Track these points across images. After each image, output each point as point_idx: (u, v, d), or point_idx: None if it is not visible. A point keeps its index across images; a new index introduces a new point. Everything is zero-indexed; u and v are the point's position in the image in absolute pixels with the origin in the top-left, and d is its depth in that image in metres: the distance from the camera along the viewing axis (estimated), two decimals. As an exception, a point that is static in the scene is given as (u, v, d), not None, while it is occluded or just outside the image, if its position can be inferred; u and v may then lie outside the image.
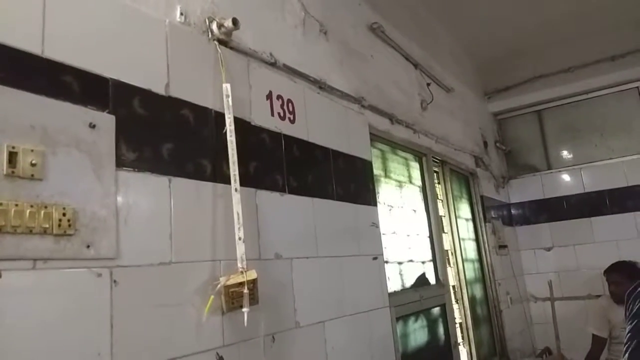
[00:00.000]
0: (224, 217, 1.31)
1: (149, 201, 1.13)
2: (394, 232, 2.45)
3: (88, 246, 0.96)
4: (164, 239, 1.14)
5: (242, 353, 1.27)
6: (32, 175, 0.90)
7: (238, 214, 1.29)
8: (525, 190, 4.26)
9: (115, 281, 1.00)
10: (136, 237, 1.07)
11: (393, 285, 2.27)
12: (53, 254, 0.90)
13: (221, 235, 1.30)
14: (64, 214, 0.92)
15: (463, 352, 2.91)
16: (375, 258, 2.08)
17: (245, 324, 1.20)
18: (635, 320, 1.26)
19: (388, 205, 2.46)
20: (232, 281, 1.23)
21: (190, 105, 1.30)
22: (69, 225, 0.92)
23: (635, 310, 1.27)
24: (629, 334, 1.28)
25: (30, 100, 0.93)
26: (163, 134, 1.20)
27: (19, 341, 0.84)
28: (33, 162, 0.90)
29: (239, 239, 1.28)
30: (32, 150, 0.91)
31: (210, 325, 1.20)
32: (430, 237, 2.81)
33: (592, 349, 3.21)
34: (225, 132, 1.33)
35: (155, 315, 1.07)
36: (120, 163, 1.07)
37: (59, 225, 0.91)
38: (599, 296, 3.49)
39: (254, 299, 1.27)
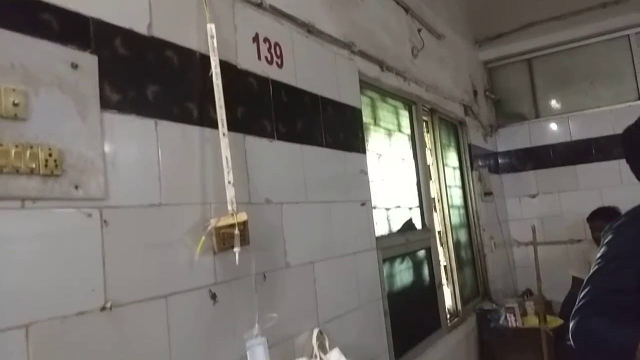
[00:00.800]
0: (213, 162, 1.32)
1: (136, 143, 1.13)
2: (383, 180, 2.48)
3: (76, 187, 0.96)
4: (152, 181, 1.15)
5: (234, 290, 1.32)
6: (16, 115, 0.89)
7: (227, 158, 1.30)
8: (513, 138, 4.30)
9: (105, 221, 1.02)
10: (124, 178, 1.08)
11: (380, 229, 2.33)
12: (41, 194, 0.91)
13: (211, 179, 1.31)
14: (50, 155, 0.92)
15: (447, 292, 3.03)
16: (363, 204, 2.12)
17: (237, 262, 1.24)
18: (599, 261, 1.31)
19: (377, 153, 2.48)
20: (222, 223, 1.26)
21: (174, 46, 1.27)
22: (56, 166, 0.92)
23: (602, 246, 1.32)
24: (588, 278, 1.33)
25: (9, 38, 0.91)
26: (147, 76, 1.18)
27: (12, 279, 0.86)
28: (15, 101, 0.89)
29: (229, 182, 1.29)
30: (13, 90, 0.89)
31: (203, 264, 1.23)
32: (418, 184, 2.86)
33: (572, 290, 3.36)
34: (211, 75, 1.31)
35: (147, 254, 1.10)
36: (104, 105, 1.06)
37: (46, 166, 0.91)
38: (580, 241, 3.61)
39: (244, 240, 1.30)
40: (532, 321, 3.16)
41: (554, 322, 3.23)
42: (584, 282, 1.33)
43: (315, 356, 1.58)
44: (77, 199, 0.97)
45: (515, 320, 3.14)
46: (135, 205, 1.10)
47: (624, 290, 1.23)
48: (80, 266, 0.97)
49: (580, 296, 1.30)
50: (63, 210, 0.95)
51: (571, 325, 1.29)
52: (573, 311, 1.30)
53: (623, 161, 1.41)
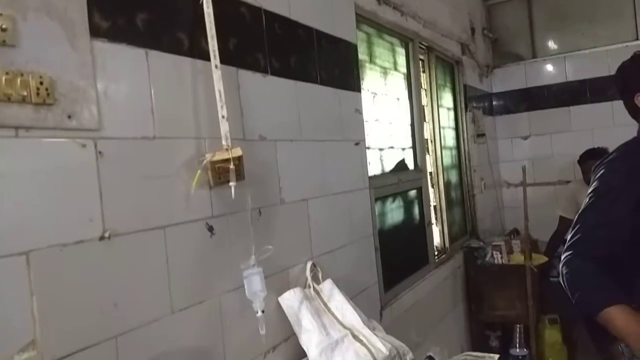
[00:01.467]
0: (206, 96, 1.30)
1: (127, 74, 1.10)
2: (377, 120, 2.47)
3: (69, 116, 0.95)
4: (145, 114, 1.13)
5: (231, 224, 1.34)
6: (4, 41, 0.86)
7: (220, 92, 1.28)
8: (508, 79, 4.25)
9: (100, 152, 1.01)
10: (117, 110, 1.06)
11: (373, 169, 2.35)
12: (35, 123, 0.90)
13: (204, 114, 1.29)
14: (41, 83, 0.89)
15: (436, 230, 3.11)
16: (357, 143, 2.12)
17: (233, 196, 1.25)
18: (591, 195, 1.34)
19: (372, 92, 2.45)
20: (217, 157, 1.26)
21: (162, -29, 1.21)
22: (48, 94, 0.90)
23: (593, 181, 1.35)
24: (580, 213, 1.36)
25: (-12, -43, 0.86)
26: (136, 3, 1.13)
27: (10, 208, 0.87)
28: (3, 26, 0.86)
29: (222, 117, 1.28)
30: (0, 14, 0.86)
31: (199, 198, 1.25)
32: (412, 125, 2.85)
33: (558, 229, 3.48)
34: (202, 2, 1.26)
35: (143, 185, 1.11)
36: (94, 32, 1.02)
37: (38, 94, 0.89)
38: (569, 182, 3.68)
39: (240, 175, 1.30)
40: (518, 258, 3.28)
41: (539, 259, 3.36)
42: (576, 217, 1.36)
43: (309, 286, 1.64)
44: (71, 129, 0.96)
45: (502, 258, 3.26)
46: (129, 137, 1.09)
47: (617, 222, 1.26)
48: (77, 196, 0.97)
49: (572, 232, 1.33)
50: (58, 140, 0.94)
51: (562, 260, 1.33)
52: (565, 246, 1.33)
53: (616, 102, 1.42)
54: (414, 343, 1.57)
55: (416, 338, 1.60)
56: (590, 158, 3.20)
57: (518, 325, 3.06)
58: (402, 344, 1.57)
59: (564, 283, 1.33)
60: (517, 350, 3.00)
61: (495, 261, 3.26)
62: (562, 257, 1.32)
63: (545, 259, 3.42)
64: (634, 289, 1.27)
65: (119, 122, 1.07)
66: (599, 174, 1.32)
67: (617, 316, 1.18)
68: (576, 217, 1.35)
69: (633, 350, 1.19)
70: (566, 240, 1.28)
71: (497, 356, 1.56)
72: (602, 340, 3.06)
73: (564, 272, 1.31)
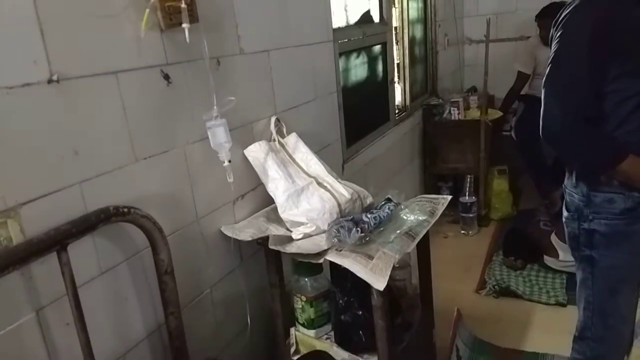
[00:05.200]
0: None
1: None
2: (340, -36, 2.28)
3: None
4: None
5: (188, 73, 1.28)
6: None
7: None
8: None
9: (33, -15, 0.89)
10: None
11: (338, 21, 2.23)
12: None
13: (147, -55, 1.13)
14: None
15: (398, 88, 3.12)
16: (319, -9, 1.97)
17: (187, 40, 1.17)
18: (553, 56, 1.30)
19: None
20: (166, -4, 1.14)
21: None
22: None
23: (554, 43, 1.29)
24: (546, 78, 1.32)
25: None
26: None
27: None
28: None
29: (168, -52, 1.13)
30: None
31: (150, 42, 1.16)
32: (378, -26, 2.66)
33: (515, 84, 3.55)
34: None
35: (88, 25, 1.01)
36: None
37: None
38: (529, 37, 3.66)
39: (193, 17, 1.20)
40: (474, 114, 3.39)
41: (494, 114, 3.48)
42: (544, 84, 1.30)
43: (274, 140, 1.65)
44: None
45: (458, 114, 3.35)
46: (63, -31, 0.96)
47: (586, 80, 1.23)
48: (16, 35, 0.88)
49: (544, 97, 1.29)
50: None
51: (549, 126, 1.28)
52: (542, 115, 1.30)
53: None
54: (372, 194, 1.65)
55: (374, 190, 1.68)
56: (547, 15, 3.10)
57: (469, 176, 3.29)
58: (363, 189, 1.65)
59: (556, 146, 1.32)
60: (467, 197, 3.27)
61: (452, 117, 3.36)
62: (548, 123, 1.29)
63: (500, 114, 3.55)
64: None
65: (49, -51, 0.92)
66: (558, 34, 1.26)
67: (630, 167, 1.22)
68: (543, 81, 1.31)
69: None
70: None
71: (450, 197, 1.68)
72: (546, 188, 3.37)
73: (556, 136, 1.27)
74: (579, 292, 1.48)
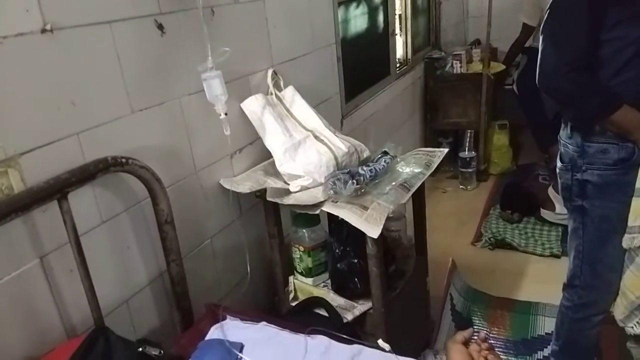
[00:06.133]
0: None
1: None
2: None
3: None
4: None
5: (182, 22, 1.26)
6: None
7: None
8: None
9: None
10: None
11: (336, -32, 2.16)
12: None
13: None
14: None
15: (399, 41, 3.06)
16: None
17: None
18: (553, 5, 1.27)
19: None
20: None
21: None
22: None
23: None
24: (547, 8, 1.30)
25: None
26: None
27: None
28: None
29: None
30: None
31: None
32: None
33: (520, 37, 3.47)
34: None
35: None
36: None
37: None
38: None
39: (185, -36, 1.18)
40: (477, 67, 3.33)
41: (497, 67, 3.42)
42: (541, 32, 1.29)
43: (271, 93, 1.65)
44: None
45: (461, 67, 3.30)
46: None
47: (582, 28, 1.21)
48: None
49: (542, 47, 1.28)
50: None
51: (542, 76, 1.28)
52: (540, 62, 1.29)
53: None
54: (371, 151, 1.66)
55: (373, 146, 1.69)
56: None
57: (469, 131, 3.29)
58: (360, 143, 1.66)
59: (553, 95, 1.32)
60: (466, 152, 3.28)
61: (455, 71, 3.31)
62: (544, 72, 1.28)
63: (503, 67, 3.49)
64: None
65: None
66: None
67: (623, 117, 1.22)
68: (541, 29, 1.29)
69: None
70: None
71: (446, 150, 1.69)
72: (545, 142, 3.37)
73: (552, 85, 1.28)
74: (569, 241, 1.52)
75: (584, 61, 1.22)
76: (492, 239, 2.68)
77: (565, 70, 1.23)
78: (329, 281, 1.60)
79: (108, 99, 1.09)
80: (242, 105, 1.53)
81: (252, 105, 1.55)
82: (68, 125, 1.00)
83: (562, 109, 1.37)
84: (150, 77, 1.20)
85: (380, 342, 1.03)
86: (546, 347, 1.82)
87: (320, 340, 1.09)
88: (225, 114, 1.33)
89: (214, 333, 1.15)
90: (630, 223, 1.30)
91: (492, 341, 1.90)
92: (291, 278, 1.65)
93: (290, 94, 1.68)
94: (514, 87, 3.51)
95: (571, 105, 1.34)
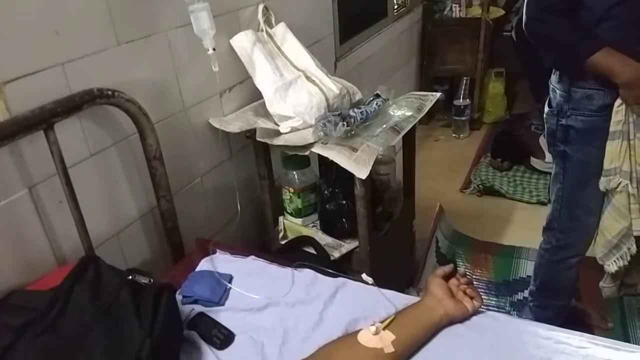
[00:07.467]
0: None
1: None
2: None
3: None
4: None
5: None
6: None
7: None
8: None
9: None
10: None
11: None
12: None
13: None
14: None
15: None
16: None
17: None
18: None
19: None
20: None
21: None
22: None
23: None
24: None
25: None
26: None
27: None
28: None
29: None
30: None
31: None
32: None
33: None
34: None
35: None
36: None
37: None
38: None
39: None
40: (476, 12, 3.24)
41: (496, 12, 3.34)
42: None
43: (262, 30, 1.60)
44: None
45: (460, 11, 3.21)
46: None
47: None
48: None
49: None
50: None
51: (527, 17, 1.27)
52: (524, 9, 1.28)
53: None
54: (365, 96, 1.64)
55: (367, 90, 1.67)
56: None
57: (465, 78, 3.25)
58: (352, 85, 1.64)
59: (535, 38, 1.31)
60: (461, 100, 3.26)
61: (454, 15, 3.22)
62: (527, 16, 1.28)
63: (503, 12, 3.40)
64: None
65: None
66: None
67: (605, 58, 1.21)
68: None
69: (626, 84, 1.22)
70: None
71: (439, 94, 1.67)
72: (540, 91, 3.34)
73: (534, 28, 1.28)
74: (551, 186, 1.55)
75: (564, 4, 1.21)
76: (480, 185, 2.71)
77: (544, 13, 1.23)
78: (318, 222, 1.63)
79: (93, 29, 1.06)
80: (231, 41, 1.50)
81: (242, 42, 1.51)
82: (53, 54, 0.98)
83: (545, 54, 1.35)
84: (136, 7, 1.16)
85: (364, 276, 1.07)
86: (527, 289, 1.89)
87: (307, 273, 1.14)
88: (214, 49, 1.30)
89: (204, 265, 1.19)
90: (606, 166, 1.33)
91: (474, 283, 1.98)
92: (281, 218, 1.69)
93: (281, 31, 1.64)
94: (512, 33, 3.44)
95: (552, 47, 1.33)
